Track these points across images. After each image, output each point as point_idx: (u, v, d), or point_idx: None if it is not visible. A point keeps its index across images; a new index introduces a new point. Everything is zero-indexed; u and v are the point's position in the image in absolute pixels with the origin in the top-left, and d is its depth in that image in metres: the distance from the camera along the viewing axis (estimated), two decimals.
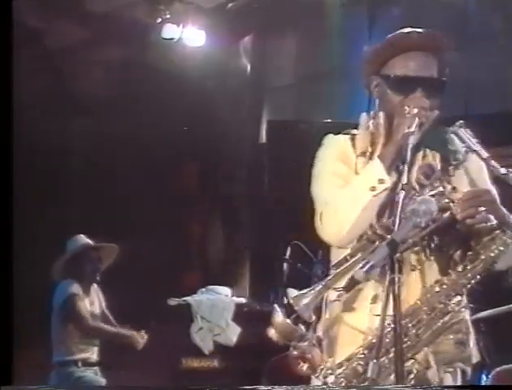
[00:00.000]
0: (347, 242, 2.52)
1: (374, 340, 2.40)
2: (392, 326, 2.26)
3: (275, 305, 2.46)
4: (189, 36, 7.92)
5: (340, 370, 2.45)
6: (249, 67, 8.96)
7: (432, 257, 2.52)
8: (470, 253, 2.45)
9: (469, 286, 2.46)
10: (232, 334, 6.90)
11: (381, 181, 2.44)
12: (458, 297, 2.47)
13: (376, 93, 2.64)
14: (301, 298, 2.40)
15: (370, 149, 2.60)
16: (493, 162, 2.36)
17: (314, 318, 2.44)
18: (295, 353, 2.52)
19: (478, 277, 2.45)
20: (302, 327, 2.42)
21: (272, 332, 2.42)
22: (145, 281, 7.47)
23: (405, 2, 8.27)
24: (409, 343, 2.39)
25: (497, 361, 5.02)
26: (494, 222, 2.39)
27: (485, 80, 7.66)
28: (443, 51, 2.63)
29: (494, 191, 2.51)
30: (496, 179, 2.42)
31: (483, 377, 4.96)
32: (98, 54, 8.11)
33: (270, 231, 7.66)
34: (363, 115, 2.67)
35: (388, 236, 2.34)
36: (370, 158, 2.57)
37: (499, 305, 5.06)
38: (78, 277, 5.67)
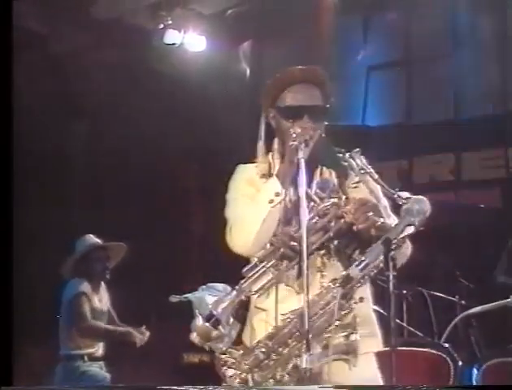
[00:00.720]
0: (254, 251, 2.82)
1: (275, 331, 2.71)
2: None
3: (196, 311, 2.70)
4: (190, 41, 8.07)
5: (244, 360, 2.72)
6: (248, 71, 9.10)
7: (335, 259, 2.82)
8: (362, 258, 2.67)
9: (359, 285, 2.70)
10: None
11: (277, 194, 2.80)
12: (354, 294, 2.70)
13: (273, 123, 3.01)
14: (220, 303, 2.69)
15: (269, 171, 2.96)
16: (382, 182, 2.70)
17: (231, 320, 2.73)
18: (219, 356, 2.74)
19: (364, 278, 2.68)
20: (221, 329, 2.68)
21: (194, 335, 2.69)
22: (147, 279, 7.58)
23: (399, 8, 8.40)
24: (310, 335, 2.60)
25: (488, 355, 5.14)
26: (381, 220, 2.67)
27: (473, 85, 7.81)
28: (323, 82, 2.96)
29: (384, 202, 2.80)
30: (385, 194, 2.72)
31: (475, 371, 5.05)
32: (101, 58, 8.18)
33: None
34: (260, 144, 3.03)
35: (291, 243, 2.70)
36: (270, 177, 2.91)
37: (489, 301, 5.23)
38: (88, 275, 5.69)
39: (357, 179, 2.77)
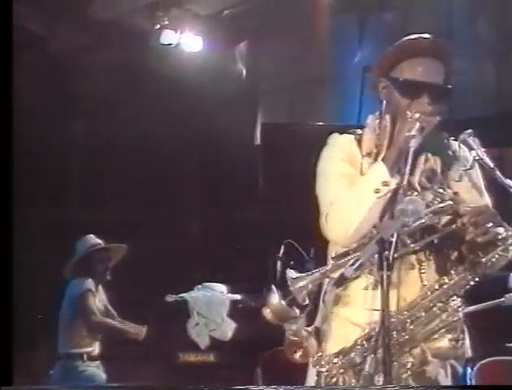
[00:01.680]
0: (352, 242, 2.56)
1: (372, 333, 2.47)
2: (378, 325, 2.39)
3: (273, 287, 2.54)
4: (187, 41, 8.09)
5: (336, 360, 2.55)
6: (244, 72, 9.10)
7: (432, 258, 2.59)
8: (471, 256, 2.51)
9: (467, 287, 2.53)
10: (228, 329, 7.01)
11: (385, 184, 2.49)
12: (456, 298, 2.54)
13: (384, 95, 2.66)
14: (299, 280, 2.48)
15: (375, 150, 2.64)
16: (499, 173, 2.46)
17: (307, 301, 2.50)
18: (291, 338, 2.57)
19: (476, 279, 2.52)
20: (296, 310, 2.50)
21: (267, 312, 2.51)
22: (144, 278, 7.58)
23: (395, 8, 8.40)
24: (406, 337, 2.49)
25: (482, 354, 5.19)
26: (503, 234, 2.48)
27: (472, 84, 7.81)
28: (449, 58, 2.66)
29: (487, 198, 2.65)
30: (501, 189, 2.49)
31: (468, 370, 5.06)
32: (98, 59, 8.22)
33: (264, 229, 7.72)
34: (370, 117, 2.71)
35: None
36: (375, 158, 2.62)
37: (483, 300, 5.25)
38: (90, 275, 5.71)
39: (461, 170, 2.57)
